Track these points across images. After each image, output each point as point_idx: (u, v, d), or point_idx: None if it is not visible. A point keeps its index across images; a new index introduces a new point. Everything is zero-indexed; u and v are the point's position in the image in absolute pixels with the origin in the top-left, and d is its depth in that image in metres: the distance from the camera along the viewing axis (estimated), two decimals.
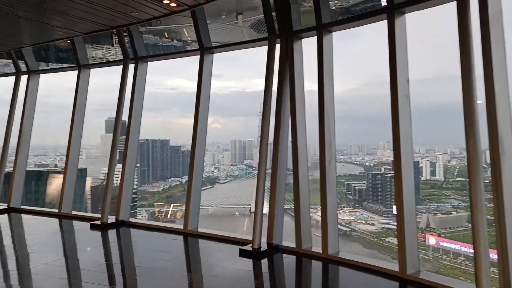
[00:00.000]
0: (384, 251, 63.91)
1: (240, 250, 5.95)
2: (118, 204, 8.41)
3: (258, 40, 7.38)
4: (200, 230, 7.63)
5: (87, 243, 7.20)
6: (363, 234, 71.94)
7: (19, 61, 9.81)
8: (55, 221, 8.89)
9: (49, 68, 10.21)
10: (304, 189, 6.78)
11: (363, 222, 74.56)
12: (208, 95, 7.96)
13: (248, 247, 6.02)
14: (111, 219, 8.42)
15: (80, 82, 8.80)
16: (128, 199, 8.62)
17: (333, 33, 6.61)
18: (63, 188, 8.61)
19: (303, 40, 7.11)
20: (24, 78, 10.15)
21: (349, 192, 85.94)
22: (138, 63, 8.68)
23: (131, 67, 8.75)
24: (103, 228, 8.03)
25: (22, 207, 9.20)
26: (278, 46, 7.16)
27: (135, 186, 54.86)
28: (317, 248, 5.96)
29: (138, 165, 62.36)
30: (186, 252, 7.03)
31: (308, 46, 7.15)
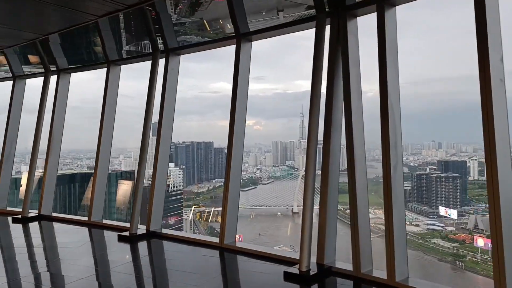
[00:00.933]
0: (429, 252, 59.73)
1: (285, 273, 4.87)
2: (149, 213, 7.20)
3: (302, 21, 5.89)
4: (239, 245, 6.27)
5: (112, 259, 6.04)
6: (407, 235, 67.16)
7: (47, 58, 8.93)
8: (84, 230, 7.88)
9: (78, 66, 9.26)
10: (362, 200, 5.26)
11: (408, 223, 70.72)
12: (246, 89, 6.59)
13: (295, 269, 4.92)
14: (142, 228, 7.27)
15: (110, 79, 7.71)
16: (160, 207, 7.42)
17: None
18: (92, 196, 7.55)
19: (358, 18, 5.58)
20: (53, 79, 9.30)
21: None
22: (169, 55, 7.49)
23: (162, 61, 7.55)
24: (132, 240, 6.86)
25: (54, 214, 8.25)
26: (327, 28, 5.66)
27: (181, 187, 54.75)
28: (379, 273, 4.82)
29: (184, 166, 62.62)
30: (222, 273, 5.69)
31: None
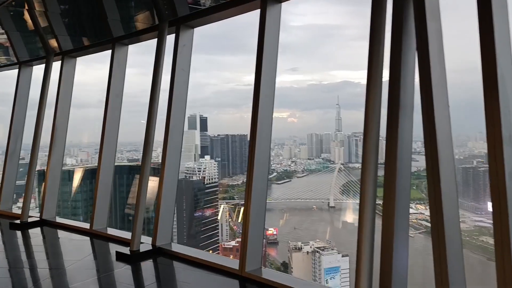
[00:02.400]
0: (477, 251, 55.00)
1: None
2: (155, 225, 5.67)
3: None
4: (265, 275, 4.55)
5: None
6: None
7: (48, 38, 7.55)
8: (84, 241, 6.46)
9: (80, 47, 7.79)
10: (451, 210, 3.42)
11: None
12: (274, 68, 4.82)
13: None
14: (147, 243, 5.73)
15: (114, 62, 6.18)
16: (169, 216, 5.85)
17: None
18: (94, 201, 6.14)
19: None
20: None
21: None
22: (180, 29, 5.83)
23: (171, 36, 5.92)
24: (133, 259, 5.32)
25: (58, 220, 6.92)
26: None
27: (216, 180, 53.84)
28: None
29: (219, 159, 61.68)
30: None
31: None
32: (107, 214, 6.62)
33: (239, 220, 42.56)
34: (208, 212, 49.86)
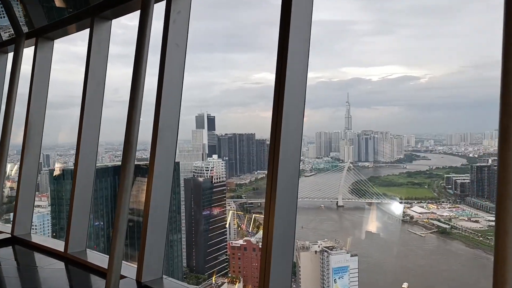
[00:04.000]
0: (491, 251, 53.33)
1: None
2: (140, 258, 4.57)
3: None
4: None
5: None
6: (465, 232, 61.62)
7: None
8: (56, 272, 5.43)
9: (54, 23, 6.87)
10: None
11: (466, 219, 64.13)
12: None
13: None
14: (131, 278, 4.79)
15: (94, 40, 5.29)
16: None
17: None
18: (70, 217, 5.24)
19: None
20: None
21: (449, 186, 75.48)
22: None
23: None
24: None
25: (33, 237, 5.96)
26: None
27: (224, 179, 53.39)
28: None
29: (226, 158, 61.16)
30: None
31: None
32: (86, 234, 5.58)
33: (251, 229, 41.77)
34: (216, 211, 49.49)
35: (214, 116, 69.52)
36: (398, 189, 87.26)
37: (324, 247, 37.00)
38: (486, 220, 61.58)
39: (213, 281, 36.75)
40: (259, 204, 73.79)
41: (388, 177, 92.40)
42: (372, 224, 70.01)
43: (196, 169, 52.78)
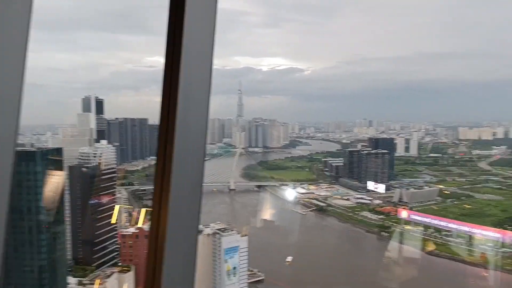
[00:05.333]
0: (358, 224, 62.33)
1: None
2: None
3: None
4: None
5: None
6: (339, 209, 70.66)
7: None
8: None
9: None
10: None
11: (339, 197, 73.44)
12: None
13: None
14: None
15: None
16: None
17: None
18: None
19: None
20: None
21: (326, 169, 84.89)
22: None
23: None
24: None
25: None
26: None
27: (114, 165, 51.06)
28: None
29: (117, 143, 58.27)
30: None
31: None
32: None
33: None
34: (105, 199, 47.01)
35: (103, 99, 64.81)
36: (284, 172, 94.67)
37: (217, 229, 38.26)
38: (355, 198, 71.44)
39: (101, 272, 35.43)
40: (153, 191, 72.24)
41: (275, 162, 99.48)
42: (261, 206, 74.97)
43: (82, 156, 49.03)
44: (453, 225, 63.56)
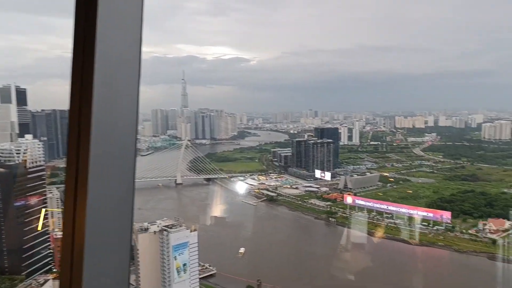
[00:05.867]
0: (307, 212, 62.24)
1: None
2: None
3: None
4: None
5: None
6: (288, 198, 70.35)
7: None
8: None
9: None
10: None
11: (289, 186, 73.21)
12: None
13: None
14: None
15: None
16: None
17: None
18: None
19: None
20: None
21: (275, 159, 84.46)
22: None
23: None
24: None
25: None
26: None
27: (42, 162, 45.62)
28: None
29: (45, 138, 52.31)
30: None
31: None
32: None
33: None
34: (33, 200, 42.07)
35: (25, 89, 57.49)
36: (233, 164, 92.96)
37: (164, 226, 36.04)
38: (303, 186, 72.21)
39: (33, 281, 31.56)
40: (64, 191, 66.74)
41: (224, 153, 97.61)
42: (211, 199, 72.77)
43: (3, 153, 43.45)
44: (393, 207, 67.02)
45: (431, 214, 63.78)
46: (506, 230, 60.27)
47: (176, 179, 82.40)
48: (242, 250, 52.69)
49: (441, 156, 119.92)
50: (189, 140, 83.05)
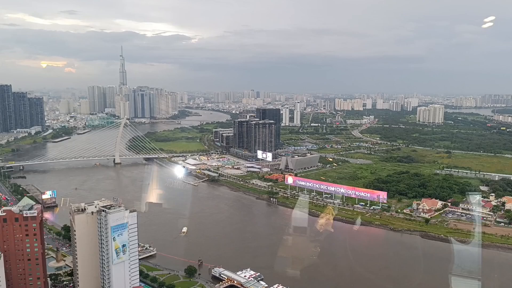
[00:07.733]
0: (249, 192, 66.55)
1: None
2: None
3: None
4: None
5: None
6: (230, 178, 74.26)
7: None
8: None
9: None
10: None
11: (230, 167, 76.93)
12: None
13: None
14: None
15: None
16: None
17: None
18: None
19: None
20: None
21: (217, 139, 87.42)
22: None
23: None
24: None
25: None
26: None
27: None
28: None
29: None
30: None
31: None
32: None
33: None
34: None
35: None
36: (174, 144, 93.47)
37: (102, 206, 36.38)
38: (245, 167, 74.94)
39: None
40: (21, 168, 64.18)
41: (164, 133, 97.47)
42: (151, 179, 73.09)
43: None
44: (332, 188, 71.72)
45: (368, 194, 69.31)
46: (438, 209, 67.20)
47: (114, 159, 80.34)
48: (184, 229, 54.36)
49: (378, 138, 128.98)
50: (127, 119, 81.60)
